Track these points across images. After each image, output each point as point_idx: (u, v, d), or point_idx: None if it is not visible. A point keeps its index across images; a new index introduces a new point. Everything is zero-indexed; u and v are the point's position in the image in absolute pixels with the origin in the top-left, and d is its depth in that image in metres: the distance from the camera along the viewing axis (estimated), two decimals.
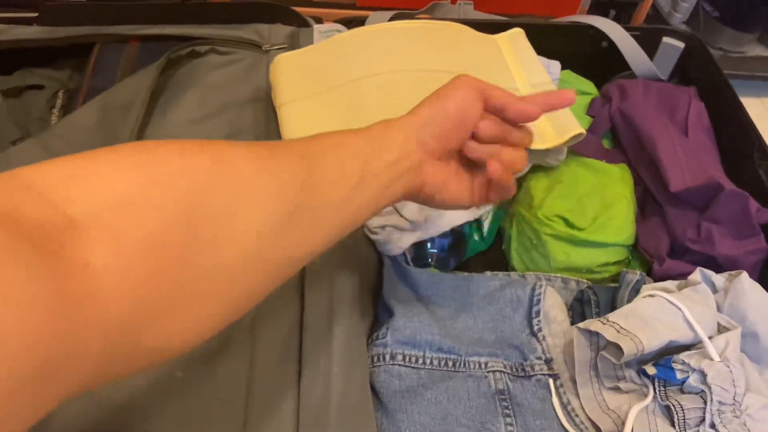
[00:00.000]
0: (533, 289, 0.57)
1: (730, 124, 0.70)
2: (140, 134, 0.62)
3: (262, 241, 0.31)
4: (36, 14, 0.73)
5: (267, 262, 0.32)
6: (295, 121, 0.61)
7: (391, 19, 0.76)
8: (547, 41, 0.75)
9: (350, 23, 0.75)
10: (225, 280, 0.29)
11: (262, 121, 0.65)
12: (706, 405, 0.46)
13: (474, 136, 0.45)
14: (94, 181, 0.25)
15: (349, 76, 0.62)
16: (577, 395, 0.51)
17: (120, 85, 0.65)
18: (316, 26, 0.75)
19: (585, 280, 0.60)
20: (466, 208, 0.48)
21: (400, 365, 0.50)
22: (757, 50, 1.15)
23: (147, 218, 0.26)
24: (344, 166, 0.38)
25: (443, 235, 0.60)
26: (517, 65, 0.68)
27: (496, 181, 0.46)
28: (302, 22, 0.76)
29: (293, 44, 0.72)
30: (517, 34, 0.72)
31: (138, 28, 0.73)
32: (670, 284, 0.55)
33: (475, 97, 0.43)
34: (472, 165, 0.47)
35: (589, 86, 0.79)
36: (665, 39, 0.80)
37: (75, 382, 0.22)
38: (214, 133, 0.63)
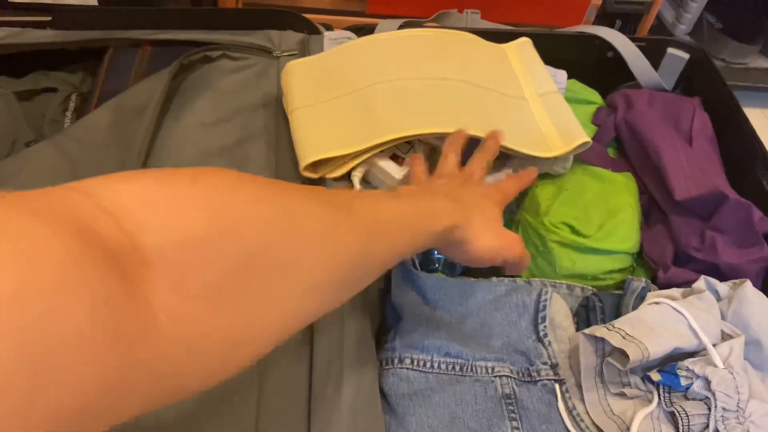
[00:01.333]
0: (539, 295, 0.57)
1: (733, 134, 0.71)
2: (153, 137, 0.62)
3: (306, 301, 0.31)
4: (50, 18, 0.74)
5: (303, 317, 0.32)
6: (306, 126, 0.62)
7: (400, 27, 0.77)
8: (554, 51, 0.76)
9: (360, 30, 0.76)
10: (263, 329, 0.29)
11: (273, 126, 0.66)
12: (710, 411, 0.47)
13: None
14: (169, 214, 0.25)
15: (360, 83, 0.63)
16: (583, 400, 0.52)
17: (133, 89, 0.66)
18: (326, 33, 0.76)
19: (590, 287, 0.61)
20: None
21: (408, 369, 0.51)
22: (759, 62, 1.17)
23: (212, 264, 0.25)
24: (403, 248, 0.40)
25: None
26: (524, 74, 0.69)
27: None
28: (312, 29, 0.77)
29: (303, 51, 0.73)
30: (525, 43, 0.73)
31: (151, 33, 0.74)
32: (674, 292, 0.56)
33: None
34: None
35: (594, 95, 0.80)
36: (670, 50, 0.81)
37: (118, 417, 0.22)
38: (226, 137, 0.64)
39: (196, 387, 0.27)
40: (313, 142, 0.60)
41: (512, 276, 0.60)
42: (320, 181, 0.60)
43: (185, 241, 0.24)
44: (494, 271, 0.65)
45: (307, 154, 0.59)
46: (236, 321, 0.27)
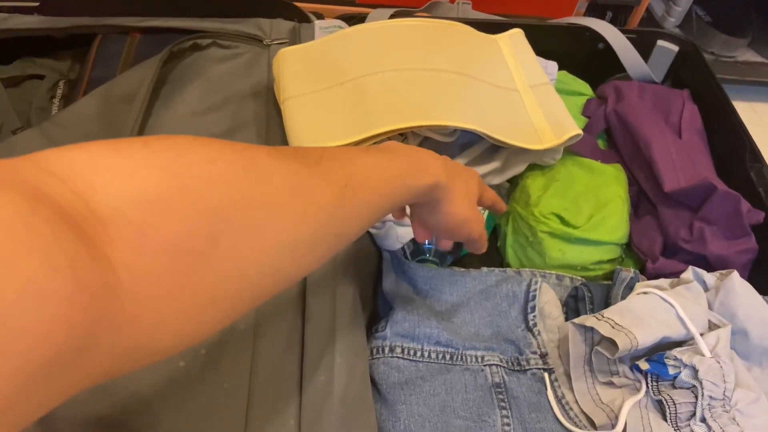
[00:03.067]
0: (529, 285, 0.58)
1: (722, 126, 0.72)
2: (142, 125, 0.62)
3: (282, 258, 0.31)
4: (37, 4, 0.73)
5: (282, 276, 0.32)
6: (299, 116, 0.61)
7: (392, 17, 0.77)
8: (545, 42, 0.76)
9: (351, 20, 0.76)
10: (238, 289, 0.29)
11: (263, 115, 0.66)
12: (697, 399, 0.48)
13: None
14: (122, 174, 0.24)
15: (352, 73, 0.63)
16: (572, 389, 0.52)
17: (122, 77, 0.66)
18: (317, 22, 0.75)
19: (579, 277, 0.61)
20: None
21: (399, 358, 0.51)
22: (748, 55, 1.17)
23: (171, 222, 0.25)
24: (381, 205, 0.39)
25: None
26: (516, 65, 0.69)
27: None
28: (303, 18, 0.77)
29: (294, 39, 0.73)
30: (517, 34, 0.73)
31: (140, 20, 0.73)
32: (663, 282, 0.56)
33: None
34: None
35: (584, 87, 0.80)
36: (660, 42, 0.81)
37: (85, 376, 0.22)
38: (216, 126, 0.64)
39: (170, 347, 0.27)
40: (306, 133, 0.60)
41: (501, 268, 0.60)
42: None
43: (141, 200, 0.24)
44: (484, 261, 0.65)
45: (300, 145, 0.59)
46: (206, 278, 0.27)
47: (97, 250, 0.22)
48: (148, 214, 0.24)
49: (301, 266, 0.33)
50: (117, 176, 0.24)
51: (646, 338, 0.49)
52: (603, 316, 0.51)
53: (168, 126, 0.63)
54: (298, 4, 0.77)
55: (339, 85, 0.62)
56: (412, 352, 0.52)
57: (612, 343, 0.49)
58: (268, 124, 0.64)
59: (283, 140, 0.62)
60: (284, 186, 0.31)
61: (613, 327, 0.49)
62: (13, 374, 0.18)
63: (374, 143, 0.59)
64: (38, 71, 0.73)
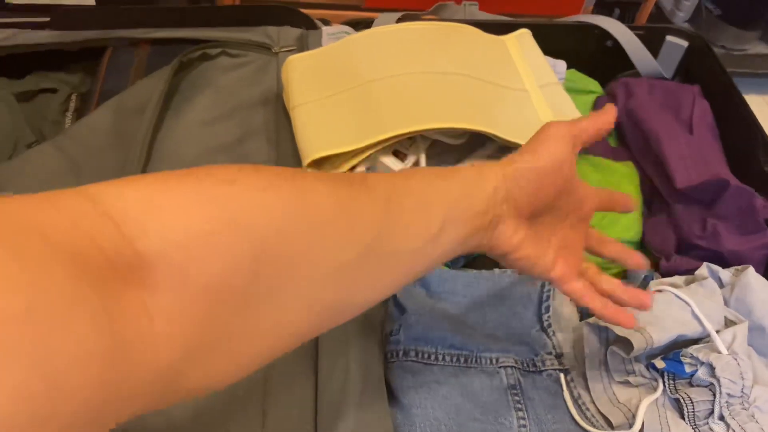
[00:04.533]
0: (542, 286, 0.58)
1: (734, 121, 0.71)
2: (153, 136, 0.62)
3: (325, 286, 0.30)
4: (48, 19, 0.74)
5: (324, 306, 0.31)
6: (308, 122, 0.62)
7: (399, 20, 0.77)
8: (553, 41, 0.76)
9: (358, 25, 0.76)
10: (276, 323, 0.28)
11: (272, 122, 0.66)
12: (715, 397, 0.47)
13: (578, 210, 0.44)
14: (171, 214, 0.25)
15: (361, 78, 0.63)
16: (588, 389, 0.52)
17: (133, 88, 0.66)
18: (324, 28, 0.76)
19: None
20: (544, 277, 0.44)
21: (413, 361, 0.51)
22: (759, 48, 1.16)
23: (215, 259, 0.25)
24: (428, 214, 0.35)
25: None
26: (525, 66, 0.69)
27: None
28: (310, 25, 0.77)
29: (302, 46, 0.73)
30: (524, 34, 0.73)
31: (149, 32, 0.74)
32: (677, 279, 0.56)
33: (568, 149, 0.41)
34: (562, 236, 0.44)
35: (594, 85, 0.80)
36: (669, 38, 0.81)
37: (118, 419, 0.22)
38: (226, 134, 0.64)
39: (201, 387, 0.27)
40: (315, 139, 0.60)
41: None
42: None
43: (188, 238, 0.24)
44: (497, 263, 0.65)
45: (310, 151, 0.59)
46: (242, 313, 0.26)
47: (137, 300, 0.23)
48: (192, 253, 0.24)
49: (346, 295, 0.32)
50: (168, 216, 0.25)
51: (661, 337, 0.48)
52: None
53: (178, 136, 0.63)
54: (305, 11, 0.78)
55: (347, 90, 0.63)
56: (426, 356, 0.52)
57: (627, 343, 0.49)
58: (278, 132, 0.65)
59: (294, 148, 0.62)
60: (331, 208, 0.30)
61: None
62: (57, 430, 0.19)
63: (384, 147, 0.59)
64: (51, 85, 0.74)
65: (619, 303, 0.45)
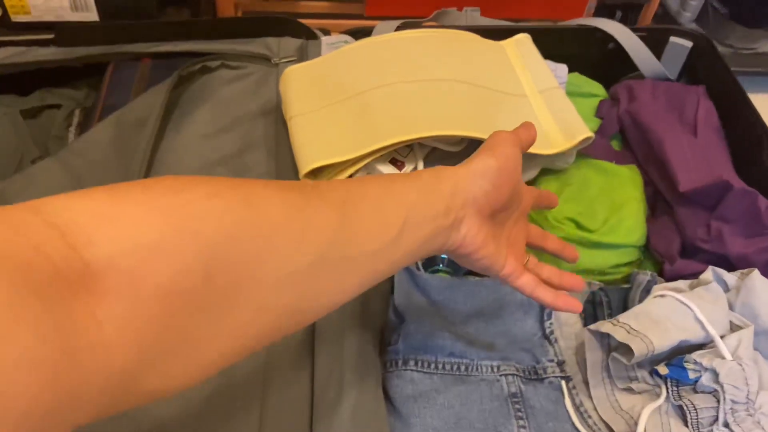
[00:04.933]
0: None
1: (739, 121, 0.70)
2: (154, 150, 0.63)
3: (280, 291, 0.30)
4: (52, 36, 0.75)
5: (281, 311, 0.31)
6: (305, 133, 0.62)
7: (398, 28, 0.77)
8: (554, 45, 0.75)
9: (357, 34, 0.76)
10: (232, 327, 0.29)
11: (273, 134, 0.66)
12: (719, 404, 0.46)
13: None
14: (120, 224, 0.25)
15: (358, 87, 0.63)
16: (590, 396, 0.51)
17: (134, 103, 0.67)
18: (323, 38, 0.76)
19: (597, 282, 0.60)
20: (498, 274, 0.46)
21: (412, 370, 0.51)
22: None
23: (164, 265, 0.25)
24: (385, 217, 0.36)
25: None
26: (524, 71, 0.69)
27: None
28: (310, 35, 0.78)
29: (302, 57, 0.74)
30: (524, 39, 0.73)
31: (150, 46, 0.75)
32: (681, 284, 0.55)
33: (517, 151, 0.44)
34: (509, 235, 0.48)
35: (597, 88, 0.79)
36: (672, 39, 0.80)
37: (73, 424, 0.23)
38: (227, 147, 0.64)
39: (158, 390, 0.27)
40: (312, 149, 0.60)
41: None
42: None
43: (136, 246, 0.25)
44: None
45: (306, 162, 0.59)
46: (196, 318, 0.27)
47: (86, 309, 0.23)
48: (141, 260, 0.25)
49: (304, 300, 0.32)
50: (116, 226, 0.25)
51: (662, 342, 0.48)
52: (618, 321, 0.50)
53: (179, 149, 0.64)
54: (306, 21, 0.78)
55: (344, 100, 0.63)
56: (425, 365, 0.52)
57: (628, 349, 0.48)
58: (278, 143, 0.65)
59: (293, 158, 0.62)
60: (281, 214, 0.31)
61: (628, 332, 0.48)
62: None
63: (380, 156, 0.59)
64: (56, 101, 0.75)
65: (557, 287, 0.49)
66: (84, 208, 0.25)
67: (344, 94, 0.63)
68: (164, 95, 0.65)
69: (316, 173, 0.60)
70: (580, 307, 0.48)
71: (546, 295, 0.47)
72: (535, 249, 0.53)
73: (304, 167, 0.59)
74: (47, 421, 0.21)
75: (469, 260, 0.44)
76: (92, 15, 0.81)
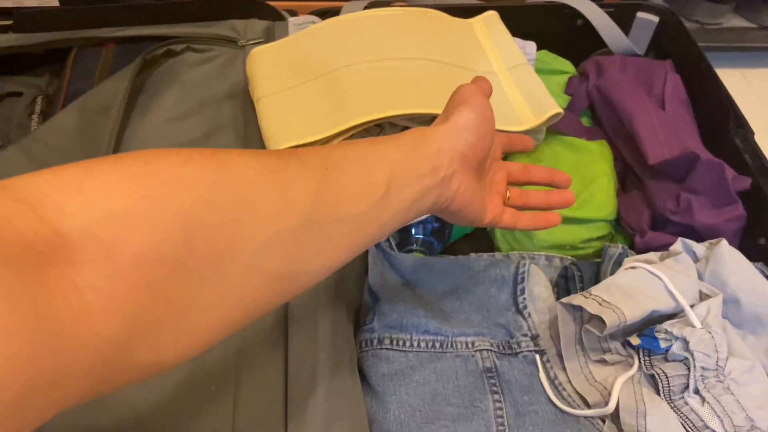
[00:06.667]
0: (517, 268, 0.57)
1: (705, 94, 0.71)
2: (120, 135, 0.62)
3: (265, 255, 0.30)
4: (11, 22, 0.73)
5: (269, 276, 0.31)
6: (273, 114, 0.61)
7: (366, 7, 0.76)
8: (523, 22, 0.75)
9: (325, 14, 0.75)
10: (221, 294, 0.28)
11: (241, 116, 0.65)
12: (689, 371, 0.47)
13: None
14: (90, 194, 0.25)
15: (326, 67, 0.62)
16: (564, 369, 0.52)
17: (98, 88, 0.65)
18: (290, 19, 0.75)
19: (569, 257, 0.61)
20: (482, 223, 0.47)
21: (387, 349, 0.51)
22: (734, 21, 1.15)
23: (141, 233, 0.25)
24: (369, 177, 0.35)
25: (427, 220, 0.61)
26: (492, 48, 0.69)
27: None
28: (277, 16, 0.76)
29: (269, 38, 0.73)
30: (491, 16, 0.72)
31: (114, 31, 0.73)
32: (652, 255, 0.56)
33: (487, 101, 0.44)
34: (489, 181, 0.49)
35: (566, 65, 0.80)
36: (639, 14, 0.80)
37: (64, 398, 0.22)
38: (194, 130, 0.63)
39: (151, 363, 0.27)
40: (281, 131, 0.59)
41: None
42: None
43: (110, 215, 0.24)
44: (474, 246, 0.65)
45: (276, 142, 0.59)
46: (181, 285, 0.26)
47: (63, 278, 0.22)
48: (117, 229, 0.24)
49: (293, 264, 0.32)
50: (87, 196, 0.24)
51: (634, 313, 0.48)
52: (590, 294, 0.50)
53: (145, 134, 0.63)
54: (272, 3, 0.77)
55: (312, 80, 0.62)
56: (401, 343, 0.51)
57: (600, 321, 0.48)
58: (246, 126, 0.64)
59: (262, 141, 0.61)
60: (257, 177, 0.30)
61: (600, 304, 0.49)
62: None
63: (350, 136, 0.59)
64: (16, 89, 0.73)
65: (550, 208, 0.52)
66: (52, 182, 0.24)
67: (313, 73, 0.62)
68: (128, 80, 0.64)
69: None
70: (558, 219, 0.51)
71: (526, 222, 0.50)
72: (523, 185, 0.53)
73: (274, 148, 0.58)
74: (29, 394, 0.20)
75: (458, 216, 0.44)
76: (52, 0, 0.79)
